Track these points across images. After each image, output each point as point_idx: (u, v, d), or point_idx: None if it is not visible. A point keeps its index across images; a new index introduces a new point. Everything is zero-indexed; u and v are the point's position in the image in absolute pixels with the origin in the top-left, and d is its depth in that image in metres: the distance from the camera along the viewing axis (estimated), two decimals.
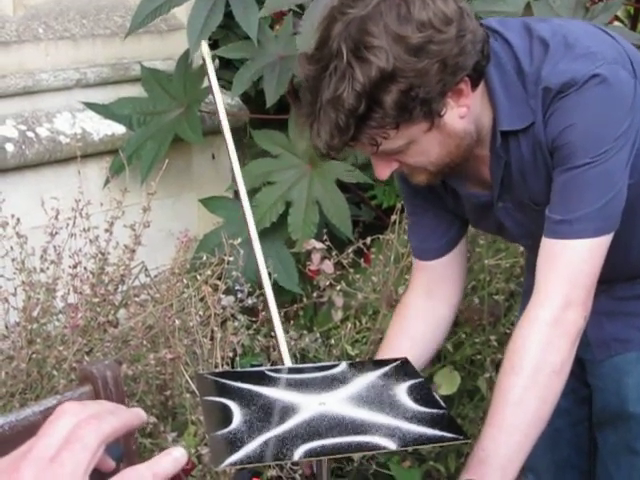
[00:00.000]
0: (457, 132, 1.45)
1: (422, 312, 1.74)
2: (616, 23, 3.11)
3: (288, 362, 1.49)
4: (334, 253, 2.67)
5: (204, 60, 1.58)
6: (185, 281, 2.40)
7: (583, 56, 1.44)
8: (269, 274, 2.57)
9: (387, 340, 1.76)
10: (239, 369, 2.24)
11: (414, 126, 1.40)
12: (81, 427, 0.72)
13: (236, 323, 2.41)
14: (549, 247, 1.48)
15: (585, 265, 1.46)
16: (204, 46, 1.59)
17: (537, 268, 1.49)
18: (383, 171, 1.50)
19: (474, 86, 1.44)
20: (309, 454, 1.20)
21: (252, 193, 3.00)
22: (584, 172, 1.43)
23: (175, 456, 0.74)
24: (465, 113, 1.44)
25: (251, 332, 2.46)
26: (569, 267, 1.46)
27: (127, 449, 1.35)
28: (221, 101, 1.56)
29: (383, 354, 1.70)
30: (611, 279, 1.61)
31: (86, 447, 0.71)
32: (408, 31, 1.34)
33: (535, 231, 1.53)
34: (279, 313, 1.83)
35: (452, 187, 1.64)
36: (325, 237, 2.69)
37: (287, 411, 1.30)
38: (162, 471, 0.73)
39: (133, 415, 0.78)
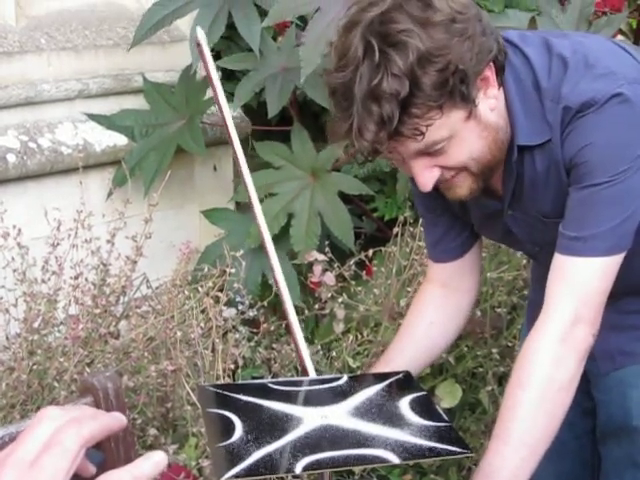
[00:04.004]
0: (491, 124, 1.45)
1: (439, 298, 1.76)
2: (619, 37, 3.10)
3: (312, 373, 1.48)
4: (336, 265, 2.66)
5: (199, 45, 1.53)
6: (186, 293, 2.40)
7: (604, 76, 1.44)
8: (270, 285, 2.57)
9: (405, 323, 1.77)
10: (241, 381, 2.23)
11: (454, 112, 1.39)
12: (61, 431, 0.72)
13: (237, 335, 2.41)
14: (561, 263, 1.47)
15: (596, 283, 1.46)
16: (199, 32, 1.54)
17: (548, 283, 1.49)
18: (425, 179, 1.46)
19: (497, 77, 1.44)
20: (311, 467, 1.19)
21: None
22: (601, 190, 1.43)
23: (155, 460, 0.75)
24: (494, 105, 1.45)
25: (252, 344, 2.45)
26: (580, 284, 1.45)
27: (127, 461, 1.34)
28: (221, 90, 1.52)
29: (400, 336, 1.74)
30: (617, 293, 1.60)
31: (66, 451, 0.72)
32: (431, 14, 1.35)
33: (542, 238, 1.52)
34: (285, 324, 1.80)
35: None
36: (327, 249, 2.68)
37: (289, 424, 1.29)
38: (142, 475, 0.74)
39: (113, 419, 0.78)
